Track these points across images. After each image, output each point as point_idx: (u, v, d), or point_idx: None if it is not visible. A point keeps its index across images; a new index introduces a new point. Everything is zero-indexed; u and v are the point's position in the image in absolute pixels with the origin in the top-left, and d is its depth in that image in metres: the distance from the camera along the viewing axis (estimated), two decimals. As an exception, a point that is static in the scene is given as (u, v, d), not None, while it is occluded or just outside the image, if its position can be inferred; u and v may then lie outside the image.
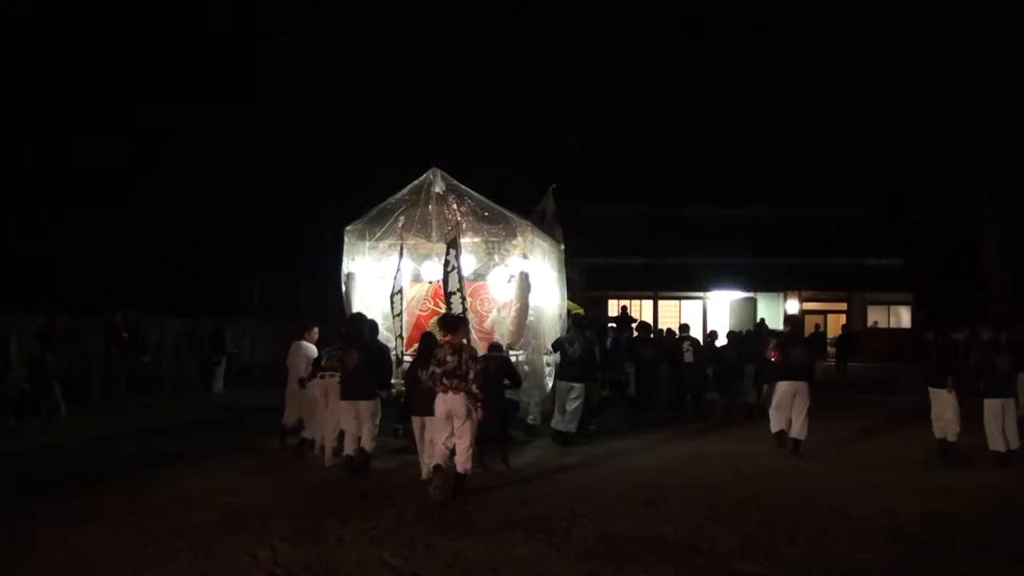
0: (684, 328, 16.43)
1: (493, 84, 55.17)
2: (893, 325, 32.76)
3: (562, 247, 14.70)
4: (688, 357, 15.45)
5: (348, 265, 12.44)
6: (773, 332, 16.67)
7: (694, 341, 15.87)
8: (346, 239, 12.38)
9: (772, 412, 11.55)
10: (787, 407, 11.29)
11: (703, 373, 15.52)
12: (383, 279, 12.33)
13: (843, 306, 32.89)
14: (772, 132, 53.18)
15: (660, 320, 30.88)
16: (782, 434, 11.42)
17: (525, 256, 11.92)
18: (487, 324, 12.17)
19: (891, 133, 49.88)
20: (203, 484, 9.09)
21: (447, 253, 11.27)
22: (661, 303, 33.42)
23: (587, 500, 8.45)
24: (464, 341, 8.88)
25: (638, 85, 62.30)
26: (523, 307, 11.76)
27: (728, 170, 48.31)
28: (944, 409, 10.94)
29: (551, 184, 15.76)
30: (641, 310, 32.23)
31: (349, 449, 9.71)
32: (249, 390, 19.19)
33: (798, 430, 11.15)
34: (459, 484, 8.57)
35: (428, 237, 12.04)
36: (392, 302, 11.81)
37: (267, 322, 23.75)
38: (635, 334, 16.98)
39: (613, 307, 29.03)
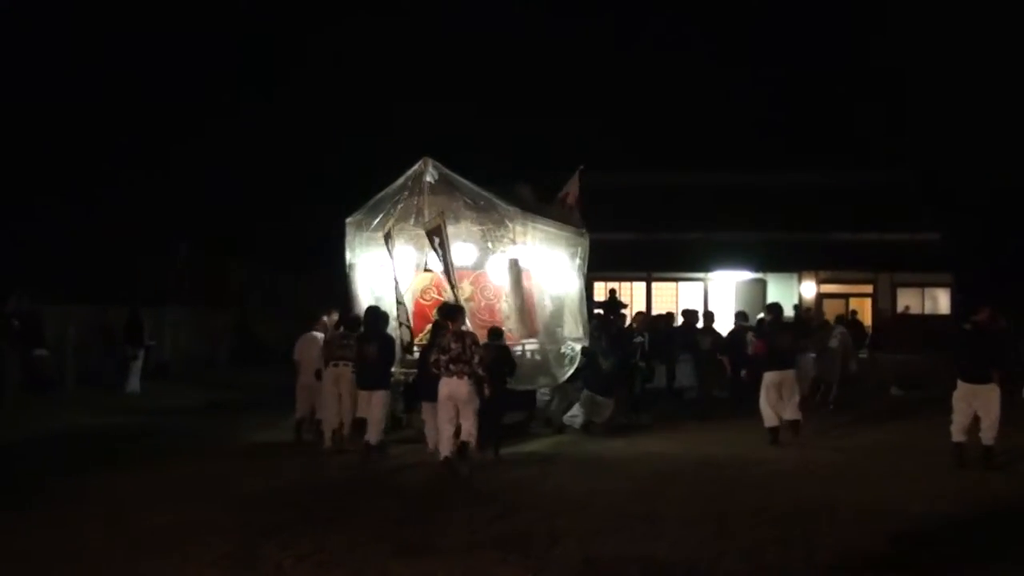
0: (742, 315, 17.62)
1: (461, 57, 54.61)
2: (928, 311, 32.66)
3: (584, 232, 15.94)
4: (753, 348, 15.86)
5: (350, 256, 13.97)
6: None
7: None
8: (347, 231, 13.92)
9: (762, 406, 12.72)
10: (776, 399, 12.60)
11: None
12: (384, 268, 13.65)
13: (868, 288, 32.82)
14: (781, 85, 52.93)
15: (655, 304, 30.93)
16: (776, 430, 12.55)
17: (514, 242, 13.08)
18: (501, 313, 13.42)
19: (925, 93, 49.84)
20: (125, 495, 9.03)
21: (431, 242, 12.63)
22: (655, 285, 33.35)
23: (573, 513, 8.47)
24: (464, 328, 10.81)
25: (625, 29, 61.94)
26: (517, 295, 13.02)
27: (731, 131, 47.88)
28: (989, 407, 10.96)
29: (528, 163, 16.35)
30: (632, 293, 32.21)
31: (371, 436, 11.49)
32: (171, 389, 19.07)
33: (791, 412, 12.56)
34: (462, 450, 10.47)
35: (424, 227, 13.24)
36: (398, 289, 13.21)
37: (192, 309, 23.63)
38: (628, 322, 17.32)
39: (600, 290, 28.98)
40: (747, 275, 32.84)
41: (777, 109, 49.50)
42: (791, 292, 32.10)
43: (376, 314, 12.14)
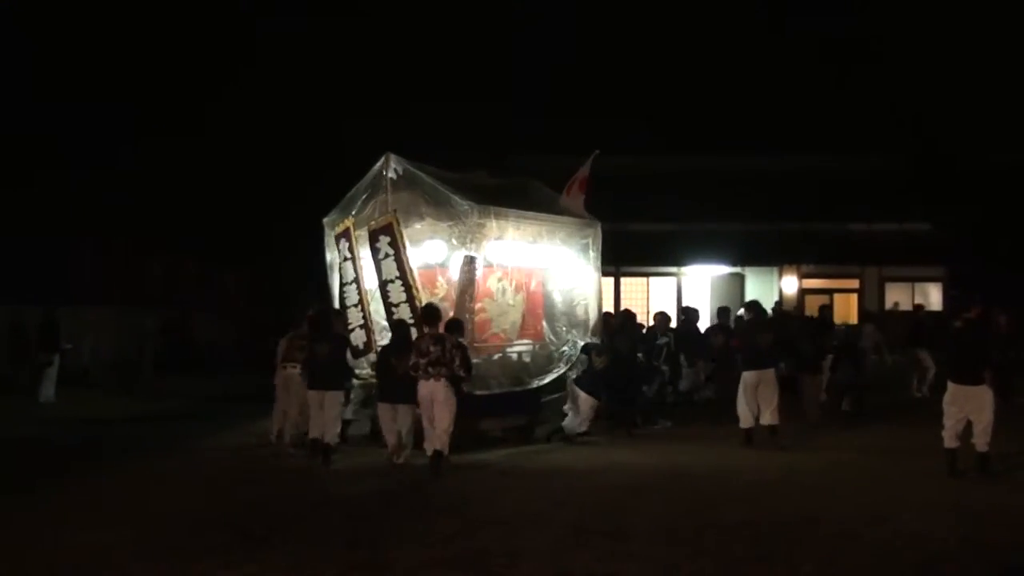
0: (724, 312, 18.06)
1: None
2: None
3: (594, 221, 16.29)
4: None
5: (329, 256, 14.76)
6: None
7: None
8: (325, 230, 14.72)
9: (739, 406, 13.36)
10: (753, 400, 13.24)
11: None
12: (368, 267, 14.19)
13: (854, 283, 33.03)
14: (762, 59, 52.89)
15: (622, 302, 30.97)
16: (750, 432, 13.26)
17: (485, 238, 13.46)
18: (486, 313, 13.87)
19: (917, 71, 50.07)
20: (34, 518, 8.92)
21: (375, 241, 13.30)
22: (624, 280, 33.44)
23: (535, 529, 8.48)
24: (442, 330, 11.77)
25: (588, 5, 61.77)
26: (468, 294, 13.31)
27: (705, 110, 47.79)
28: (981, 411, 11.07)
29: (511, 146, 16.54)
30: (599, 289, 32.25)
31: (315, 433, 12.14)
32: (90, 397, 18.92)
33: (769, 416, 13.15)
34: (436, 462, 11.19)
35: (369, 226, 13.86)
36: (343, 292, 14.03)
37: (117, 309, 23.45)
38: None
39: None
40: (723, 269, 32.97)
41: (754, 89, 49.52)
42: (771, 287, 32.29)
43: (329, 314, 13.10)
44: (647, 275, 33.43)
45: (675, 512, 9.22)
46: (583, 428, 13.89)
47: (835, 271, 32.99)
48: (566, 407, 14.29)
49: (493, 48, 53.03)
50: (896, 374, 19.43)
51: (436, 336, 11.64)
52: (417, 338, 12.01)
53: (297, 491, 10.47)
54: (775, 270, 32.93)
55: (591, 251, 15.83)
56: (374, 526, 8.65)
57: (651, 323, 18.76)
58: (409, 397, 11.70)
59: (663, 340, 16.68)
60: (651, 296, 31.80)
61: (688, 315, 18.95)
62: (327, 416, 12.08)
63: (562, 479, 10.95)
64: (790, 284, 32.62)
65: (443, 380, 11.39)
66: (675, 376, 17.13)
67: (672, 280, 33.32)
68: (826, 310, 19.06)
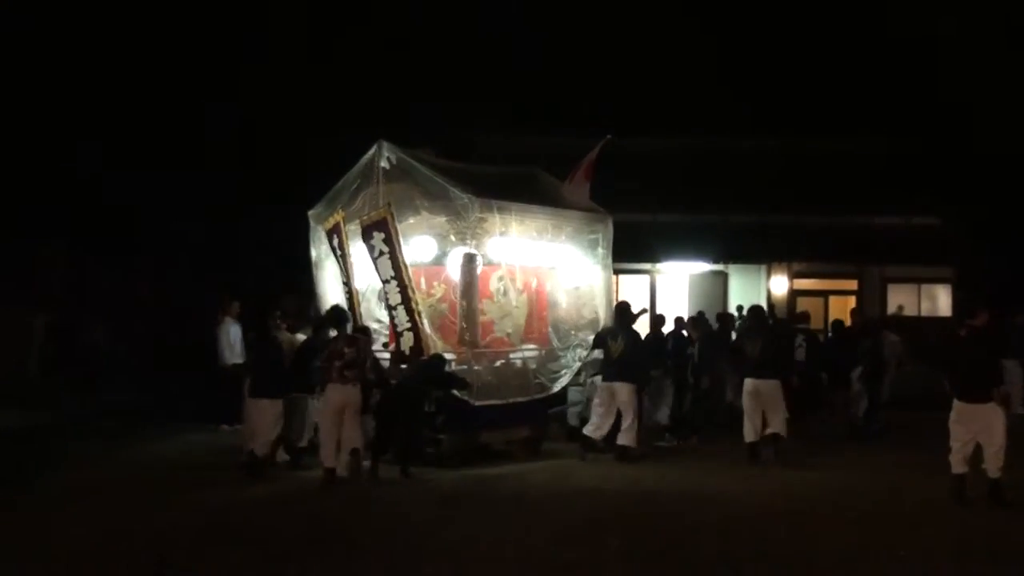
0: (803, 316, 19.12)
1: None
2: (926, 312, 32.83)
3: (602, 215, 16.65)
4: (800, 354, 16.73)
5: (315, 252, 15.52)
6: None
7: (810, 335, 17.55)
8: (311, 223, 15.38)
9: (744, 418, 14.15)
10: (756, 411, 14.00)
11: (816, 377, 16.73)
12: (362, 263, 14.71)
13: (852, 284, 32.90)
14: (745, 25, 52.95)
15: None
16: (755, 446, 14.02)
17: (486, 233, 13.94)
18: (486, 316, 14.32)
19: (925, 48, 50.31)
20: None
21: (369, 237, 13.76)
22: (589, 279, 33.40)
23: (482, 565, 8.58)
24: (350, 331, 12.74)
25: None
26: (470, 295, 13.78)
27: (680, 85, 47.65)
28: (992, 432, 11.13)
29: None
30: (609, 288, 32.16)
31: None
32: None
33: (775, 425, 13.87)
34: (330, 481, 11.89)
35: (362, 220, 14.26)
36: (350, 291, 14.48)
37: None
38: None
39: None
40: (704, 267, 32.89)
41: (737, 61, 49.55)
42: (758, 287, 32.20)
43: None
44: (618, 272, 33.20)
45: (641, 546, 9.26)
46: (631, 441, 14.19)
47: (830, 270, 32.80)
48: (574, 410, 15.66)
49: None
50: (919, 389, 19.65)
51: (350, 337, 12.50)
52: (333, 339, 12.73)
53: (209, 517, 10.35)
54: (762, 268, 32.83)
55: (600, 247, 16.29)
56: (294, 562, 8.59)
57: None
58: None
59: (690, 349, 17.00)
60: (621, 295, 31.82)
61: (725, 321, 19.58)
62: (260, 426, 12.66)
63: (512, 508, 11.00)
64: (779, 284, 32.41)
65: (359, 384, 12.16)
66: (700, 388, 17.20)
67: (645, 278, 33.24)
68: (855, 315, 19.66)
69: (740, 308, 26.33)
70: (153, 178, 32.23)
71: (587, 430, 14.45)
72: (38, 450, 14.97)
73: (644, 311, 17.49)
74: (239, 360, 16.36)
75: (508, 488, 12.10)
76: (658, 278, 33.21)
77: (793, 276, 32.78)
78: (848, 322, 20.82)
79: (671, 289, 32.93)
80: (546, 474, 13.09)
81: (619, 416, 14.19)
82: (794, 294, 32.12)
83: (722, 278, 33.01)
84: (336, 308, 13.60)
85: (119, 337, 28.67)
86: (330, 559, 8.71)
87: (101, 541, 9.30)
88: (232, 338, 16.85)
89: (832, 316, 30.04)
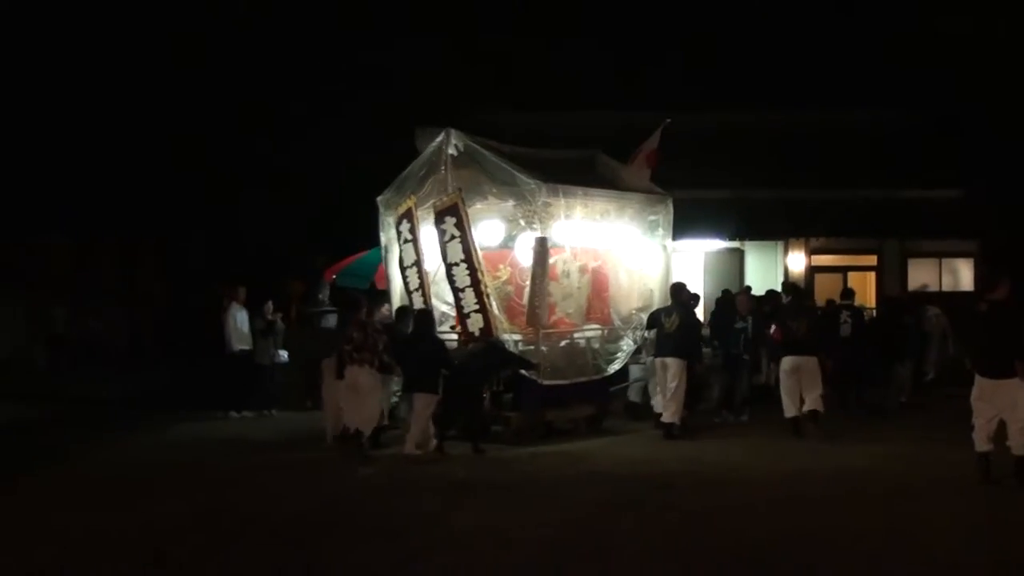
0: (848, 292, 19.38)
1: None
2: (947, 287, 32.59)
3: (663, 196, 17.39)
4: (845, 331, 17.53)
5: (384, 238, 16.43)
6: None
7: (855, 311, 18.42)
8: (380, 209, 16.29)
9: (782, 395, 14.79)
10: (795, 388, 14.66)
11: (863, 352, 17.41)
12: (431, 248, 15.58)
13: (872, 260, 32.70)
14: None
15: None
16: (797, 420, 14.73)
17: (551, 217, 14.63)
18: (551, 297, 15.15)
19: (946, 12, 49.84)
20: None
21: (441, 222, 14.66)
22: (604, 256, 33.26)
23: (495, 552, 8.54)
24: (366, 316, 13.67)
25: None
26: (542, 277, 14.65)
27: (694, 58, 47.37)
28: (1015, 408, 11.03)
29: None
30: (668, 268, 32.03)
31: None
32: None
33: (812, 402, 14.56)
34: (354, 441, 13.03)
35: (434, 206, 15.16)
36: (405, 276, 15.51)
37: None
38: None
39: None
40: (719, 244, 32.71)
41: (755, 32, 49.22)
42: (775, 264, 31.97)
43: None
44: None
45: (658, 532, 9.28)
46: (673, 417, 14.78)
47: (850, 245, 32.46)
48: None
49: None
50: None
51: (360, 322, 13.52)
52: (348, 325, 13.91)
53: (224, 501, 10.48)
54: (779, 245, 32.62)
55: (660, 228, 17.20)
56: (307, 550, 8.60)
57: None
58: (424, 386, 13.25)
59: (741, 324, 17.10)
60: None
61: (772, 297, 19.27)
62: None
63: (524, 494, 11.04)
64: (797, 261, 32.26)
65: (367, 366, 13.18)
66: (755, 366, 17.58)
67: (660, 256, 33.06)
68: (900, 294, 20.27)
69: (784, 284, 26.43)
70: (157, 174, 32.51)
71: (664, 417, 14.96)
72: (39, 440, 15.09)
73: (697, 297, 18.24)
74: (246, 346, 16.75)
75: (519, 473, 12.16)
76: (673, 256, 32.98)
77: (811, 252, 32.48)
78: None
79: (686, 267, 32.72)
80: (608, 451, 13.81)
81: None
82: (812, 270, 31.88)
83: (738, 255, 32.72)
84: (350, 295, 14.55)
85: (123, 327, 28.90)
86: (346, 549, 8.74)
87: (105, 529, 9.36)
88: (239, 324, 16.98)
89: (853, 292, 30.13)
